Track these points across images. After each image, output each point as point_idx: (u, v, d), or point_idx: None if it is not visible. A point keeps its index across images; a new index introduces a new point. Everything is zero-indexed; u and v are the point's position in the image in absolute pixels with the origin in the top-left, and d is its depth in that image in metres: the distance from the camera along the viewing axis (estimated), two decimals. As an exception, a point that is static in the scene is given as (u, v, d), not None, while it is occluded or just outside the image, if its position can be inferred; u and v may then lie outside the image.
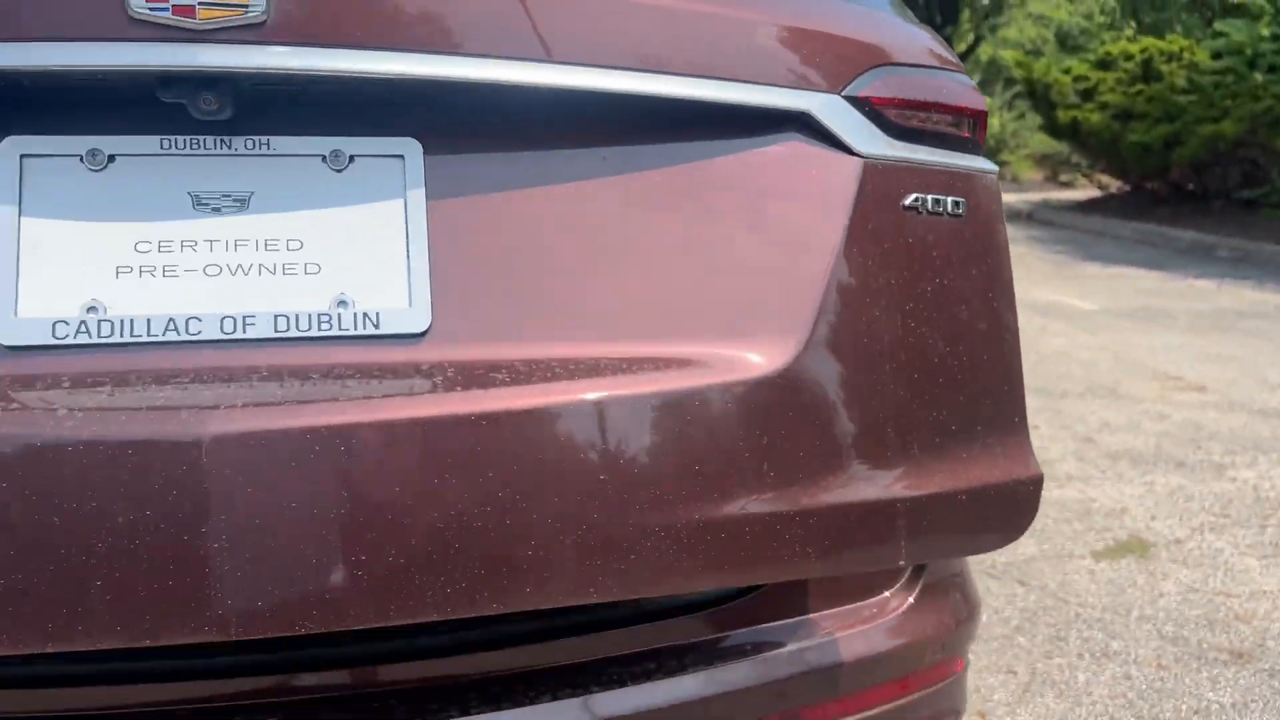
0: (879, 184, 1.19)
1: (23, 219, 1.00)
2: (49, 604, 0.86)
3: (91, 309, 1.00)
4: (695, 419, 1.03)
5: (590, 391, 1.01)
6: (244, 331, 1.02)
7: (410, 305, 1.06)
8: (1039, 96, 15.28)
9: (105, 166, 1.04)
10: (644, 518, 1.01)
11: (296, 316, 1.03)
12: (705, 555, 1.03)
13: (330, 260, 1.06)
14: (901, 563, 1.20)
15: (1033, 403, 5.81)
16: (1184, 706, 2.87)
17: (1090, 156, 15.28)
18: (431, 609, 0.95)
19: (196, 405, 0.92)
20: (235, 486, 0.89)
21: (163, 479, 0.88)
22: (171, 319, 1.02)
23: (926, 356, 1.17)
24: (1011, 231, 13.58)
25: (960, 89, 1.31)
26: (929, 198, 1.22)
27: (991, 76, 24.73)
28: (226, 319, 1.02)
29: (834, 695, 1.48)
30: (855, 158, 1.19)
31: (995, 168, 1.34)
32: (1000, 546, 1.27)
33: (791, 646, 1.46)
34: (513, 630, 1.37)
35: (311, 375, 1.01)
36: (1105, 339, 7.40)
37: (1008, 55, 17.98)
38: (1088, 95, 14.58)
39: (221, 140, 1.07)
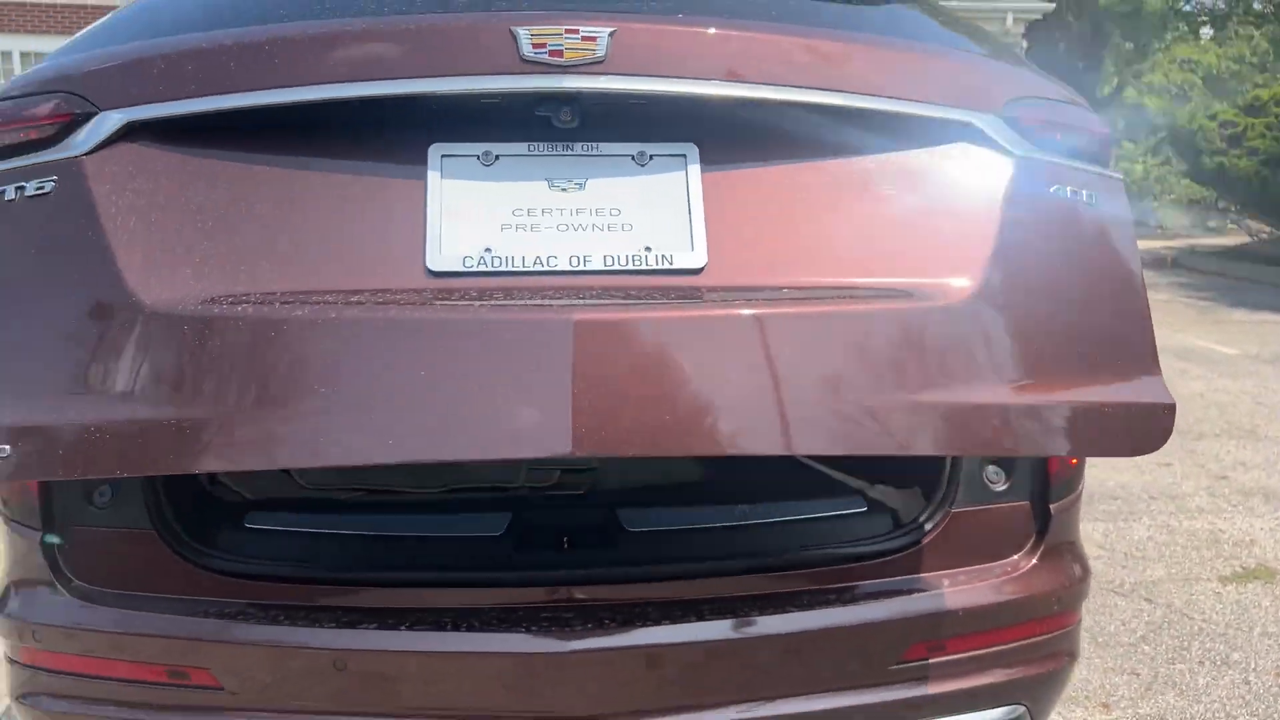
0: (1026, 175, 1.66)
1: (443, 195, 1.57)
2: (465, 421, 1.38)
3: (487, 249, 1.54)
4: (900, 328, 1.49)
5: (819, 305, 1.51)
6: (584, 265, 1.54)
7: (692, 250, 1.57)
8: (1183, 142, 15.15)
9: (493, 163, 1.61)
10: (862, 395, 1.47)
11: (617, 256, 1.57)
12: (904, 429, 1.47)
13: (638, 222, 1.59)
14: (1056, 453, 1.60)
15: (1169, 442, 6.00)
16: (1298, 709, 3.15)
17: (1238, 202, 15.02)
18: (714, 445, 1.42)
19: (555, 304, 1.46)
20: (578, 351, 1.40)
21: (533, 345, 1.40)
22: (537, 256, 1.55)
23: (1070, 300, 1.60)
24: (1156, 277, 13.51)
25: (1081, 114, 1.78)
26: (1066, 187, 1.67)
27: (1136, 122, 24.38)
28: (572, 257, 1.55)
29: (973, 630, 1.92)
30: (1009, 156, 1.67)
31: (1120, 175, 1.79)
32: (1140, 453, 1.62)
33: (946, 589, 1.92)
34: (744, 564, 1.88)
35: (627, 291, 1.55)
36: (1246, 384, 7.48)
37: (1150, 101, 17.82)
38: (1235, 141, 14.41)
39: (566, 146, 1.62)
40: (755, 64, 1.60)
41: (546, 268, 1.54)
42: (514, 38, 1.53)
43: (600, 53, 1.54)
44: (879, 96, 1.64)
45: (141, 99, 1.54)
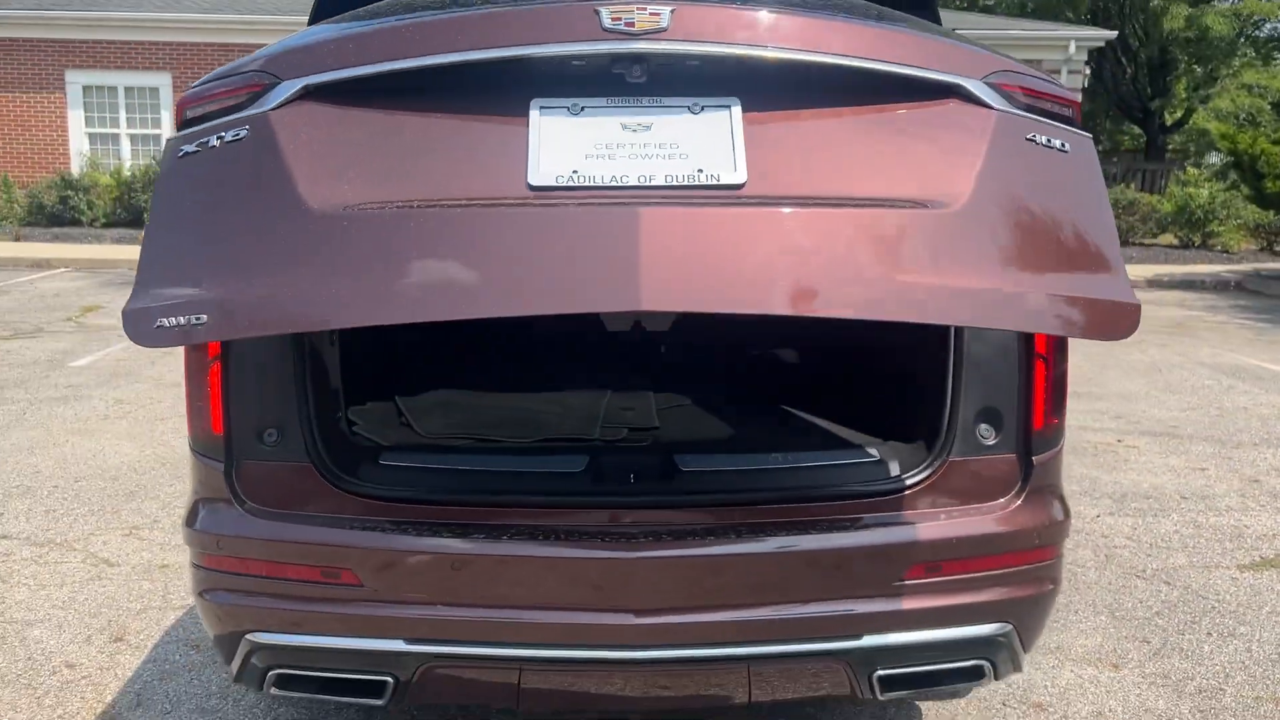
0: (1007, 125, 2.09)
1: (541, 134, 2.04)
2: (560, 282, 1.78)
3: (574, 172, 1.99)
4: (898, 230, 1.90)
5: (836, 205, 1.95)
6: (649, 182, 1.99)
7: (735, 171, 2.01)
8: (1245, 167, 15.22)
9: (580, 113, 2.08)
10: (870, 273, 1.85)
11: (675, 175, 2.01)
12: (910, 301, 1.83)
13: (693, 152, 2.04)
14: (1039, 330, 1.97)
15: (1205, 449, 6.29)
16: (1294, 672, 3.47)
17: (1302, 226, 14.99)
18: (747, 303, 1.81)
19: (628, 202, 1.91)
20: (644, 233, 1.79)
21: (610, 229, 1.81)
22: (613, 176, 1.99)
23: (1046, 217, 2.00)
24: (1216, 300, 13.62)
25: (1051, 85, 2.21)
26: (1040, 137, 2.09)
27: (1204, 147, 24.28)
28: (640, 176, 2.00)
29: (964, 557, 2.34)
30: (992, 110, 2.11)
31: (1089, 134, 2.18)
32: (1110, 339, 1.92)
33: (942, 521, 2.34)
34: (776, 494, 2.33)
35: (684, 197, 1.99)
36: (1293, 399, 7.68)
37: (1213, 127, 17.86)
38: (1299, 165, 14.44)
39: (636, 99, 2.09)
40: (786, 36, 2.08)
41: (619, 184, 2.00)
42: (597, 14, 2.02)
43: (663, 24, 2.02)
44: (890, 63, 2.11)
45: (313, 70, 2.08)
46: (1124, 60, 27.16)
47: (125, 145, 18.63)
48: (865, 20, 2.24)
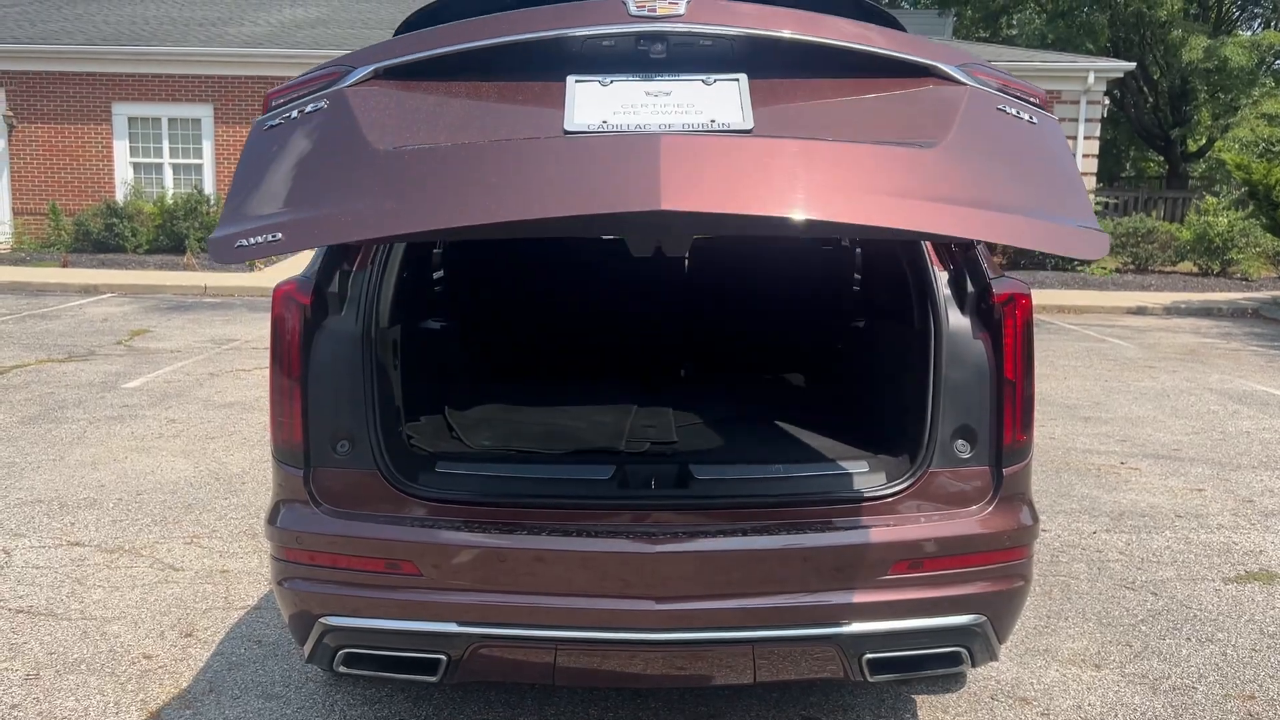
0: (979, 96, 2.37)
1: (577, 99, 2.30)
2: (592, 190, 2.02)
3: (604, 121, 2.23)
4: (890, 159, 2.16)
5: (835, 146, 2.18)
6: (668, 130, 2.21)
7: (744, 121, 2.24)
8: (1260, 197, 15.44)
9: (609, 85, 2.38)
10: (861, 185, 2.07)
11: (693, 124, 2.23)
12: (892, 210, 2.03)
13: (707, 109, 2.27)
14: (1020, 244, 2.15)
15: (1204, 471, 6.57)
16: (1264, 675, 3.76)
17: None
18: (754, 208, 2.01)
19: (652, 137, 2.12)
20: (666, 149, 1.98)
21: (637, 147, 2.04)
22: (638, 125, 2.22)
23: (1018, 165, 2.26)
24: (1231, 327, 13.83)
25: (1015, 79, 2.50)
26: (1010, 109, 2.37)
27: (1227, 175, 24.46)
28: (661, 125, 2.23)
29: (942, 555, 2.68)
30: (965, 85, 2.41)
31: (1055, 117, 2.49)
32: (1085, 257, 2.08)
33: (922, 524, 2.69)
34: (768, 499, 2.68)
35: (698, 135, 2.20)
36: (1296, 424, 7.92)
37: (1228, 157, 18.09)
38: (1312, 195, 14.63)
39: (658, 73, 2.40)
40: (787, 22, 2.42)
41: (643, 130, 2.27)
42: (624, 3, 2.37)
43: (680, 10, 2.38)
44: (879, 47, 2.45)
45: (384, 58, 2.44)
46: (1145, 89, 27.42)
47: (168, 174, 19.27)
48: (855, 13, 2.60)
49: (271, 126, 2.37)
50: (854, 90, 2.44)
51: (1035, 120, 2.38)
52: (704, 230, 2.94)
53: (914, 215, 2.05)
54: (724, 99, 2.34)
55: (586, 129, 2.24)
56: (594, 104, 2.33)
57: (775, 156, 2.12)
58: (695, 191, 1.95)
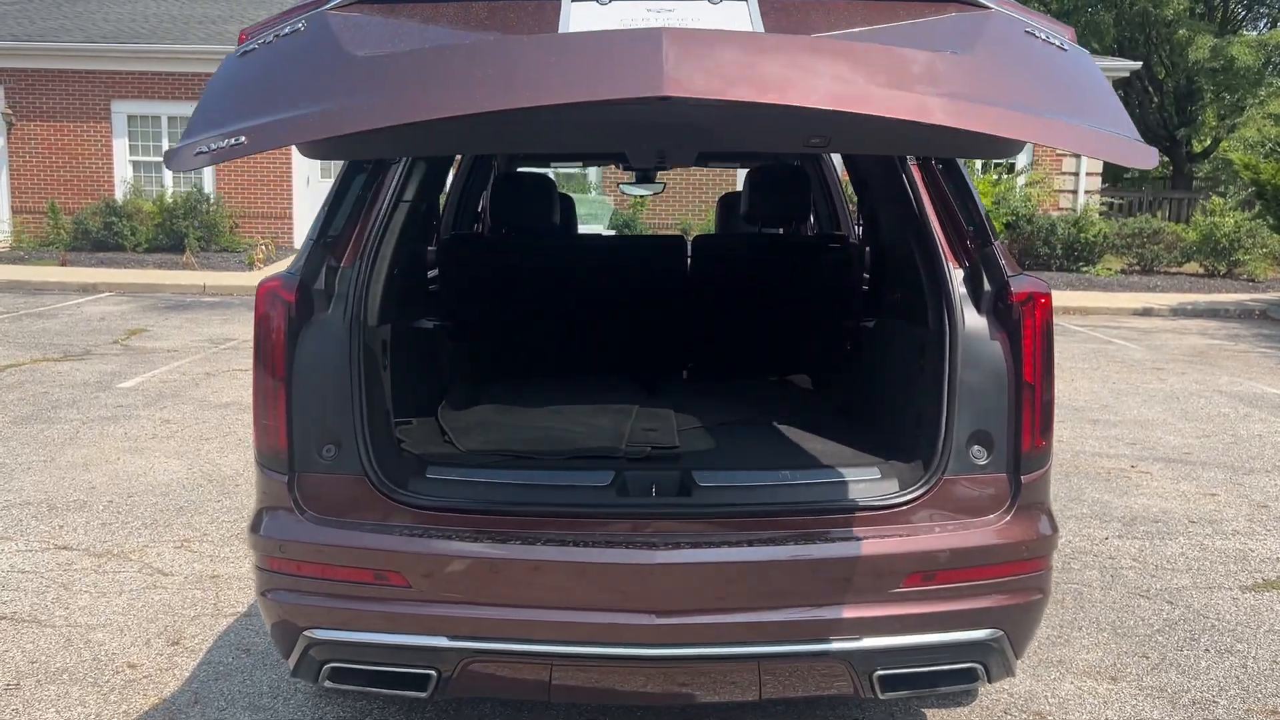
0: (1005, 19, 2.24)
1: (572, 15, 2.25)
2: (598, 74, 1.74)
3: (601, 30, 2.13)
4: (911, 60, 1.94)
5: (858, 44, 2.00)
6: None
7: (752, 28, 2.22)
8: (1269, 197, 15.30)
9: (608, 3, 2.29)
10: (881, 75, 1.85)
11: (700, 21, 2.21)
12: (925, 99, 1.83)
13: (712, 25, 2.22)
14: (1053, 144, 1.96)
15: (1217, 475, 6.44)
16: (1286, 687, 3.63)
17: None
18: (752, 92, 1.73)
19: (653, 29, 1.93)
20: (669, 38, 1.73)
21: (639, 37, 1.78)
22: (632, 20, 2.22)
23: (1054, 79, 2.11)
24: (1240, 328, 13.68)
25: (1041, 15, 2.39)
26: (1040, 33, 2.21)
27: (1233, 175, 24.29)
28: (663, 20, 2.20)
29: (957, 567, 2.55)
30: (991, 9, 2.32)
31: (1084, 49, 2.34)
32: (1127, 163, 1.90)
33: (936, 534, 2.56)
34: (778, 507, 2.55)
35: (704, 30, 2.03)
36: (1309, 427, 7.79)
37: (1235, 157, 17.95)
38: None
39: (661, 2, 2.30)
40: None
41: (640, 25, 2.18)
42: None
43: None
44: None
45: None
46: (1150, 89, 27.28)
47: (167, 173, 19.14)
48: None
49: (246, 52, 2.21)
50: (872, 14, 2.36)
51: (1066, 48, 2.23)
52: (711, 136, 2.69)
53: (948, 110, 1.80)
54: (732, 19, 2.28)
55: (585, 27, 2.22)
56: (591, 21, 2.27)
57: (790, 50, 1.86)
58: (702, 76, 1.71)
